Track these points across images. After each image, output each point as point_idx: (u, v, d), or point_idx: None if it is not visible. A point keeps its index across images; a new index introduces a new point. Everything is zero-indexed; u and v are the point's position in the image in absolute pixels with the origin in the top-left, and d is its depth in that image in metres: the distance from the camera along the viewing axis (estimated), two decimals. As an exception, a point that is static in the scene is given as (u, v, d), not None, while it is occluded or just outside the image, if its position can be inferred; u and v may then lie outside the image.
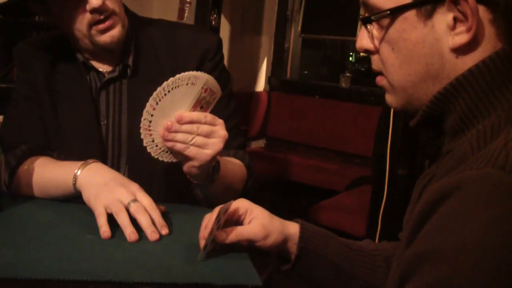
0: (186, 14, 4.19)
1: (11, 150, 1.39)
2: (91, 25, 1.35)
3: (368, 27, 0.83)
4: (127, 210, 1.18)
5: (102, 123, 1.46)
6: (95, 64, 1.46)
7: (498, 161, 0.64)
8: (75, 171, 1.29)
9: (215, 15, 3.35)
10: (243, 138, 1.56)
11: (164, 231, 1.18)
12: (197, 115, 1.21)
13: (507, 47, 0.75)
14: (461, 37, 0.75)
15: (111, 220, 1.17)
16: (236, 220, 1.11)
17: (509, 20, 0.74)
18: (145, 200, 1.21)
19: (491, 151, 0.66)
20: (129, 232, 1.14)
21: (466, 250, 0.61)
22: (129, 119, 1.45)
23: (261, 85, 4.89)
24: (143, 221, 1.17)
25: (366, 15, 0.84)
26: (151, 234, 1.15)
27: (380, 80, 0.88)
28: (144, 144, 1.22)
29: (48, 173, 1.37)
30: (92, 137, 1.44)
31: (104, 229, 1.15)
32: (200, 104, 1.23)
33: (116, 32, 1.38)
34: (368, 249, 1.16)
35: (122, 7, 1.43)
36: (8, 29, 3.28)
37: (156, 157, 1.25)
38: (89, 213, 1.22)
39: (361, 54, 0.88)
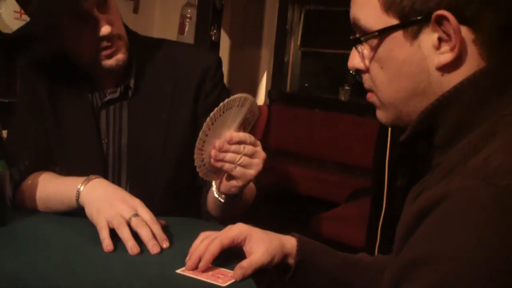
0: (186, 29, 4.22)
1: (14, 165, 1.42)
2: (99, 50, 1.39)
3: (359, 47, 0.87)
4: (129, 224, 1.22)
5: (103, 141, 1.49)
6: (97, 83, 1.50)
7: (479, 173, 0.67)
8: (78, 187, 1.32)
9: (215, 31, 3.39)
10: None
11: (165, 244, 1.21)
12: (244, 135, 1.26)
13: (490, 65, 0.78)
14: (445, 56, 0.78)
15: (113, 234, 1.20)
16: (236, 246, 1.12)
17: (491, 40, 0.78)
18: (146, 214, 1.24)
19: (474, 164, 0.70)
20: (131, 245, 1.17)
21: (451, 256, 0.64)
22: (129, 137, 1.48)
23: (261, 98, 4.92)
24: (144, 235, 1.20)
25: (357, 35, 0.88)
26: (153, 248, 1.18)
27: (370, 97, 0.91)
28: (195, 164, 1.26)
29: (51, 188, 1.40)
30: (93, 154, 1.48)
31: (107, 243, 1.18)
32: (244, 125, 1.27)
33: (121, 56, 1.42)
34: (364, 262, 1.19)
35: (124, 29, 1.47)
36: (8, 41, 3.32)
37: (202, 176, 1.29)
38: (91, 227, 1.25)
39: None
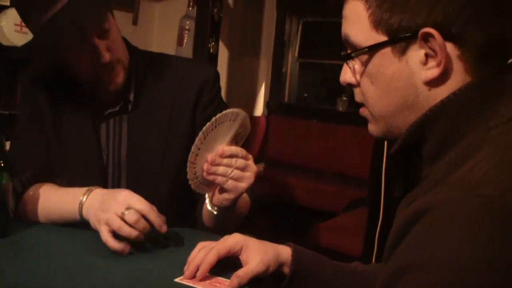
0: (185, 41, 4.25)
1: (16, 177, 1.44)
2: (99, 74, 1.43)
3: (350, 63, 0.90)
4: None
5: (104, 153, 1.52)
6: (97, 97, 1.53)
7: (464, 184, 0.70)
8: (81, 198, 1.34)
9: (213, 43, 3.42)
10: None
11: (163, 228, 1.24)
12: (235, 149, 1.30)
13: (475, 80, 0.82)
14: (432, 71, 0.81)
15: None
16: (232, 255, 1.15)
17: (476, 56, 0.81)
18: (138, 204, 1.26)
19: (459, 176, 0.73)
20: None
21: (436, 264, 0.67)
22: (128, 150, 1.51)
23: (259, 109, 4.95)
24: (141, 229, 1.23)
25: (349, 51, 0.91)
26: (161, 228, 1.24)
27: (362, 111, 0.94)
28: (188, 177, 1.29)
29: (53, 200, 1.42)
30: (94, 166, 1.51)
31: (116, 248, 1.22)
32: (235, 140, 1.30)
33: (120, 79, 1.46)
34: (359, 270, 1.22)
35: (124, 47, 1.51)
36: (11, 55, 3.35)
37: (195, 189, 1.32)
38: (91, 235, 1.28)
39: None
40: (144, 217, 1.24)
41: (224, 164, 1.28)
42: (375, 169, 2.84)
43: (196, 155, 1.27)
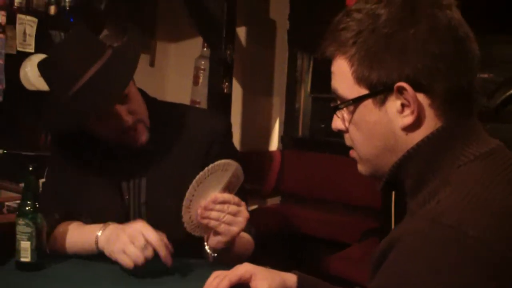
0: (200, 80, 4.39)
1: (46, 217, 1.59)
2: (123, 135, 1.58)
3: (339, 112, 1.04)
4: None
5: (125, 197, 1.66)
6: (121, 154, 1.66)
7: (430, 215, 0.84)
8: (96, 233, 1.50)
9: (226, 83, 3.58)
10: (251, 224, 1.70)
11: (168, 260, 1.41)
12: (228, 196, 1.44)
13: (444, 124, 0.95)
14: (407, 119, 0.95)
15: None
16: (243, 282, 1.27)
17: (444, 104, 0.94)
18: (149, 233, 1.41)
19: (427, 209, 0.86)
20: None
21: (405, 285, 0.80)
22: (147, 194, 1.66)
23: (274, 144, 5.07)
24: (146, 255, 1.40)
25: (338, 102, 1.05)
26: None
27: (351, 153, 1.08)
28: (183, 220, 1.43)
29: (76, 236, 1.59)
30: (117, 209, 1.66)
31: (132, 262, 1.38)
32: (228, 188, 1.45)
33: (143, 137, 1.61)
34: None
35: (143, 105, 1.63)
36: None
37: (190, 231, 1.46)
38: (111, 266, 1.45)
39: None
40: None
41: (217, 209, 1.42)
42: (385, 200, 2.95)
43: (190, 201, 1.42)
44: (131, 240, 1.40)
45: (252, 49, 4.68)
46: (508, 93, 3.74)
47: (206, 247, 1.53)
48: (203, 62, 4.34)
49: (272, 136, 5.07)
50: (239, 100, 4.56)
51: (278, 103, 5.06)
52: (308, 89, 5.13)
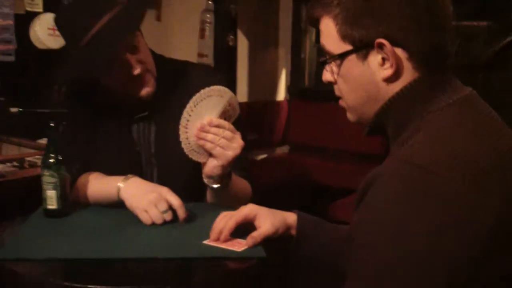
0: (206, 33, 4.46)
1: (69, 169, 1.73)
2: (131, 85, 1.70)
3: (327, 66, 1.16)
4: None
5: (138, 149, 1.80)
6: (129, 103, 1.79)
7: (402, 157, 0.97)
8: (118, 184, 1.63)
9: (231, 36, 3.67)
10: (247, 171, 1.86)
11: (183, 220, 1.54)
12: (223, 121, 1.55)
13: (420, 75, 1.06)
14: (387, 71, 1.06)
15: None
16: (248, 221, 1.43)
17: (421, 57, 1.06)
18: (173, 200, 1.55)
19: (401, 151, 0.99)
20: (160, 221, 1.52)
21: (374, 218, 0.94)
22: (157, 146, 1.80)
23: (281, 94, 5.16)
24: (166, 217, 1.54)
25: (327, 57, 1.16)
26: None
27: (340, 103, 1.21)
28: (180, 139, 1.55)
29: (97, 186, 1.72)
30: (130, 160, 1.80)
31: (147, 219, 1.53)
32: (224, 116, 1.56)
33: (150, 86, 1.73)
34: None
35: (151, 58, 1.76)
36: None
37: (187, 154, 1.57)
38: (129, 213, 1.59)
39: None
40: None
41: (212, 132, 1.53)
42: (388, 146, 3.07)
43: (188, 120, 1.52)
44: (155, 203, 1.54)
45: (257, 1, 4.73)
46: (506, 41, 3.80)
47: (204, 179, 1.63)
48: (208, 16, 4.39)
49: (279, 86, 5.15)
50: (245, 52, 4.63)
51: (283, 54, 5.12)
52: (313, 39, 5.18)
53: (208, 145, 1.54)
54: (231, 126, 1.56)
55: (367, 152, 4.43)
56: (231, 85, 3.63)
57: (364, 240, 0.97)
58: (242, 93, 4.63)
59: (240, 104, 1.63)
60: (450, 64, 1.09)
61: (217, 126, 1.54)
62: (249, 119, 4.37)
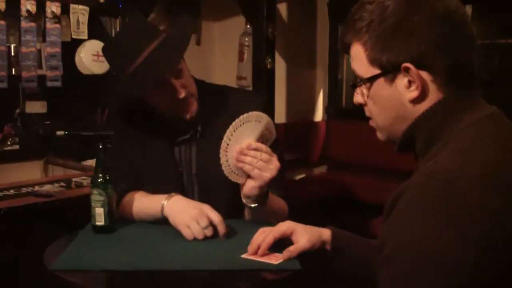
0: (245, 57, 4.56)
1: (116, 188, 1.82)
2: (176, 108, 1.80)
3: (358, 89, 1.23)
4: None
5: (180, 169, 1.90)
6: (173, 126, 1.89)
7: (428, 172, 1.03)
8: (163, 202, 1.72)
9: (269, 59, 3.75)
10: (284, 190, 1.92)
11: (223, 236, 1.62)
12: (260, 144, 1.63)
13: (445, 96, 1.13)
14: (414, 93, 1.13)
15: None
16: (286, 237, 1.50)
17: (445, 79, 1.12)
18: (214, 216, 1.64)
19: (428, 167, 1.05)
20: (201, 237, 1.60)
21: (406, 227, 1.00)
22: (198, 168, 1.89)
23: (319, 115, 5.22)
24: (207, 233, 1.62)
25: (358, 80, 1.23)
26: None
27: (371, 123, 1.27)
28: (221, 162, 1.63)
29: (142, 204, 1.82)
30: (173, 180, 1.90)
31: (189, 234, 1.61)
32: (261, 140, 1.64)
33: (193, 110, 1.83)
34: None
35: (193, 82, 1.85)
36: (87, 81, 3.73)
37: (227, 175, 1.65)
38: (171, 229, 1.68)
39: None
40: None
41: (251, 155, 1.60)
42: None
43: (228, 144, 1.60)
44: (196, 219, 1.63)
45: (294, 23, 4.80)
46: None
47: (243, 199, 1.71)
48: (247, 39, 4.49)
49: (316, 107, 5.20)
50: (283, 74, 4.70)
51: (321, 75, 5.16)
52: (350, 60, 5.18)
53: (247, 167, 1.61)
54: (268, 149, 1.64)
55: (404, 169, 4.42)
56: (269, 106, 3.72)
57: (392, 251, 1.03)
58: (280, 114, 4.70)
59: (278, 125, 1.70)
60: (476, 82, 1.16)
61: (255, 149, 1.61)
62: (287, 140, 4.44)
